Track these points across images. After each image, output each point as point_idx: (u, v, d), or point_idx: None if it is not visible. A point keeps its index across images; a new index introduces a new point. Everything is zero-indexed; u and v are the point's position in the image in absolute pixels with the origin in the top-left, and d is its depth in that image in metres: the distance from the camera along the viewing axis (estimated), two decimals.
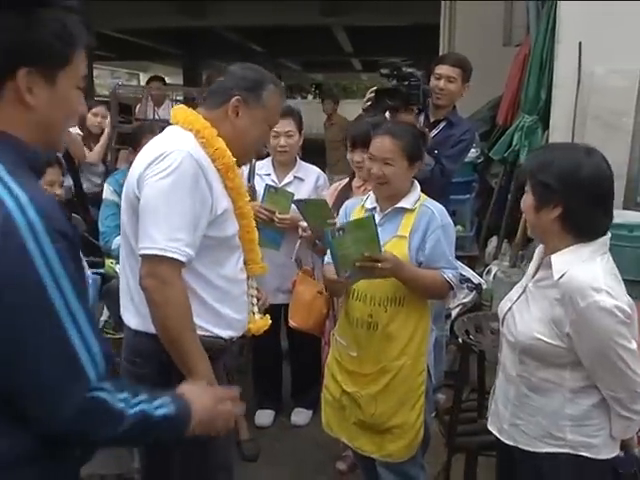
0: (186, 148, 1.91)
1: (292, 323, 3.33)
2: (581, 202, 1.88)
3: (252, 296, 2.25)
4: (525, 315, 2.01)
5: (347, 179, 3.35)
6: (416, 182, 2.65)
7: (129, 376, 2.03)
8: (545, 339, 1.92)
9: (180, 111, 2.10)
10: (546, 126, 4.59)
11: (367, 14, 11.64)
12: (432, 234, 2.52)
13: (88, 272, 2.76)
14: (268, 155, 3.68)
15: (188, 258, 1.88)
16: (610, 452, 1.97)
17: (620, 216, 3.63)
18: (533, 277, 2.06)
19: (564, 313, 1.87)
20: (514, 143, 4.86)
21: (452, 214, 4.85)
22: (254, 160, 3.66)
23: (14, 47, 1.16)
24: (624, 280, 3.00)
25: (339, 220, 2.80)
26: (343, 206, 2.83)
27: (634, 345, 1.87)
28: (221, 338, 2.07)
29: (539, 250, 2.11)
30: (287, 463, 3.43)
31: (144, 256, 1.87)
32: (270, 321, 2.32)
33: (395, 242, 2.54)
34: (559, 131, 4.37)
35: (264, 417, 3.77)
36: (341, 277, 2.46)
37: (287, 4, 11.38)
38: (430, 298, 2.64)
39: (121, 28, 14.78)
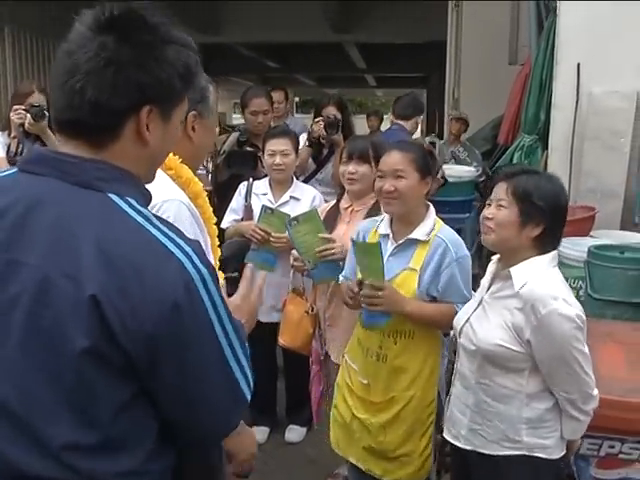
0: (173, 195, 1.83)
1: (281, 342, 3.37)
2: (557, 222, 2.09)
3: None
4: (485, 324, 2.13)
5: (335, 200, 3.35)
6: (431, 207, 2.61)
7: None
8: (506, 345, 2.05)
9: None
10: (546, 146, 4.62)
11: (378, 32, 11.73)
12: (447, 269, 2.46)
13: None
14: (266, 176, 3.74)
15: None
16: (560, 452, 2.12)
17: (611, 237, 3.67)
18: (488, 290, 2.18)
19: (525, 321, 2.01)
20: (514, 162, 4.89)
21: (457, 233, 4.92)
22: (251, 180, 3.74)
23: (143, 85, 1.16)
24: (612, 301, 3.09)
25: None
26: (356, 230, 2.80)
27: (587, 349, 2.02)
28: None
29: (493, 265, 2.23)
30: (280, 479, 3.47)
31: None
32: None
33: (406, 275, 2.52)
34: (558, 151, 4.41)
35: (258, 434, 3.78)
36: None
37: (299, 21, 11.50)
38: (440, 330, 2.61)
39: None
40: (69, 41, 1.17)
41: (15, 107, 3.75)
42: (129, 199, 1.17)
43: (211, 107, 1.99)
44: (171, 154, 1.88)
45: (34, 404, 1.13)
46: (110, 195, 1.16)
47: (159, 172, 1.82)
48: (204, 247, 1.84)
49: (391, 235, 2.60)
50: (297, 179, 3.85)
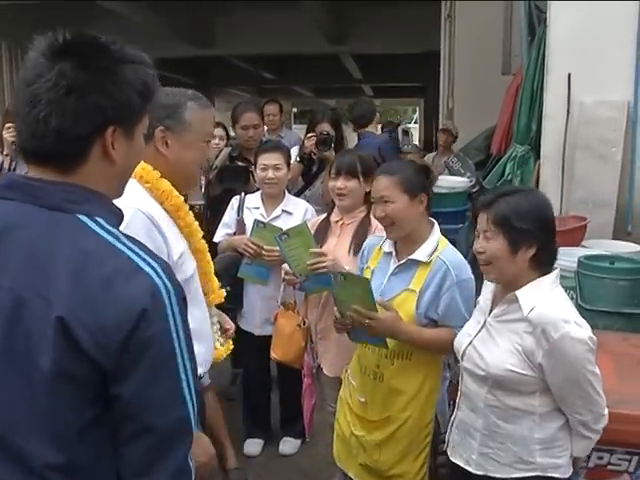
0: (133, 203, 1.88)
1: (273, 356, 3.39)
2: (548, 236, 2.05)
3: (213, 324, 2.28)
4: (493, 349, 2.09)
5: (326, 214, 3.37)
6: (436, 225, 2.57)
7: None
8: (517, 370, 2.02)
9: None
10: (538, 156, 4.64)
11: (373, 43, 11.79)
12: (447, 292, 2.42)
13: None
14: (258, 190, 3.76)
15: None
16: (570, 470, 2.12)
17: (603, 246, 3.67)
18: (490, 312, 2.15)
19: (536, 344, 1.99)
20: (507, 172, 4.90)
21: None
22: (243, 194, 3.76)
23: (105, 107, 1.19)
24: (602, 311, 3.10)
25: (359, 259, 2.80)
26: (364, 245, 2.82)
27: (598, 370, 2.02)
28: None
29: (490, 286, 2.21)
30: None
31: None
32: (232, 346, 2.36)
33: (405, 296, 2.49)
34: (549, 161, 4.42)
35: (253, 446, 3.81)
36: (344, 320, 2.53)
37: (293, 34, 11.57)
38: (439, 354, 2.56)
39: None
40: (26, 69, 1.19)
41: (7, 125, 3.79)
42: (98, 219, 1.21)
43: (187, 122, 2.02)
44: (150, 168, 1.98)
45: (11, 422, 1.16)
46: (79, 216, 1.19)
47: (131, 181, 1.88)
48: (166, 257, 1.90)
49: (394, 253, 2.57)
50: (289, 192, 3.87)
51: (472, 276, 2.49)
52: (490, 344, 2.10)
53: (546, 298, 2.01)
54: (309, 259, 3.02)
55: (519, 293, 2.02)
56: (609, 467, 2.32)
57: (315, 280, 3.06)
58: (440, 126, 7.41)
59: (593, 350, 1.98)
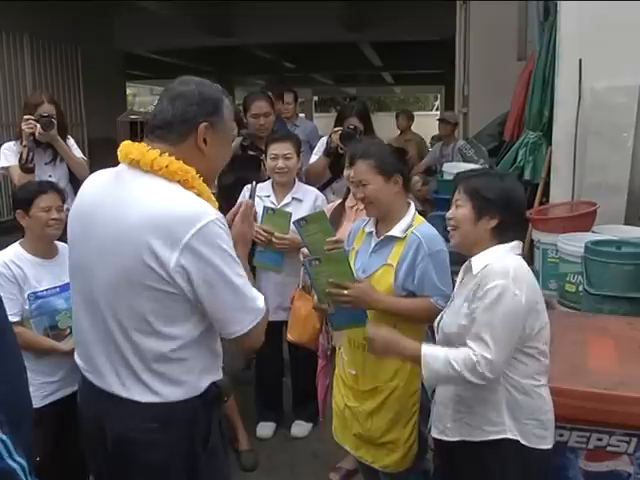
0: (212, 213, 1.79)
1: (289, 337, 3.47)
2: (513, 214, 2.20)
3: None
4: (449, 310, 2.27)
5: (341, 200, 3.45)
6: (412, 205, 2.73)
7: (140, 444, 1.86)
8: (463, 323, 2.13)
9: (142, 152, 1.85)
10: (550, 142, 4.63)
11: (390, 30, 11.77)
12: (420, 263, 2.58)
13: None
14: (269, 178, 3.82)
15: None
16: (547, 442, 2.17)
17: (613, 232, 3.68)
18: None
19: (473, 294, 2.11)
20: (519, 159, 4.89)
21: None
22: (254, 182, 3.81)
23: None
24: (608, 296, 3.12)
25: (346, 243, 2.87)
26: (350, 229, 2.95)
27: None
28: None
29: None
30: (284, 473, 3.57)
31: (243, 335, 1.86)
32: None
33: (383, 270, 2.65)
34: (561, 147, 4.41)
35: (265, 429, 3.90)
36: (324, 307, 2.71)
37: (310, 21, 11.59)
38: (419, 323, 2.66)
39: (153, 49, 15.29)
40: None
41: (26, 117, 3.89)
42: None
43: (225, 120, 1.93)
44: (187, 168, 1.83)
45: None
46: None
47: (182, 191, 1.80)
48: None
49: (374, 232, 2.75)
50: (314, 186, 3.93)
51: (445, 248, 2.64)
52: (450, 309, 2.28)
53: (495, 260, 2.13)
54: (326, 245, 3.07)
55: (473, 258, 2.19)
56: (608, 448, 2.34)
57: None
58: (457, 112, 7.44)
59: (530, 310, 2.06)
